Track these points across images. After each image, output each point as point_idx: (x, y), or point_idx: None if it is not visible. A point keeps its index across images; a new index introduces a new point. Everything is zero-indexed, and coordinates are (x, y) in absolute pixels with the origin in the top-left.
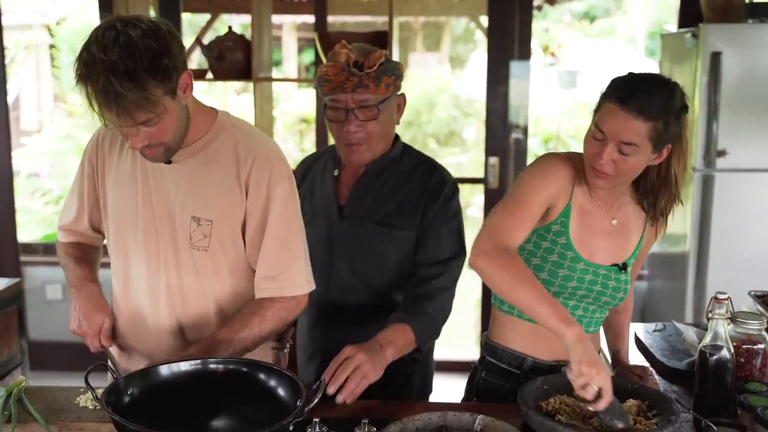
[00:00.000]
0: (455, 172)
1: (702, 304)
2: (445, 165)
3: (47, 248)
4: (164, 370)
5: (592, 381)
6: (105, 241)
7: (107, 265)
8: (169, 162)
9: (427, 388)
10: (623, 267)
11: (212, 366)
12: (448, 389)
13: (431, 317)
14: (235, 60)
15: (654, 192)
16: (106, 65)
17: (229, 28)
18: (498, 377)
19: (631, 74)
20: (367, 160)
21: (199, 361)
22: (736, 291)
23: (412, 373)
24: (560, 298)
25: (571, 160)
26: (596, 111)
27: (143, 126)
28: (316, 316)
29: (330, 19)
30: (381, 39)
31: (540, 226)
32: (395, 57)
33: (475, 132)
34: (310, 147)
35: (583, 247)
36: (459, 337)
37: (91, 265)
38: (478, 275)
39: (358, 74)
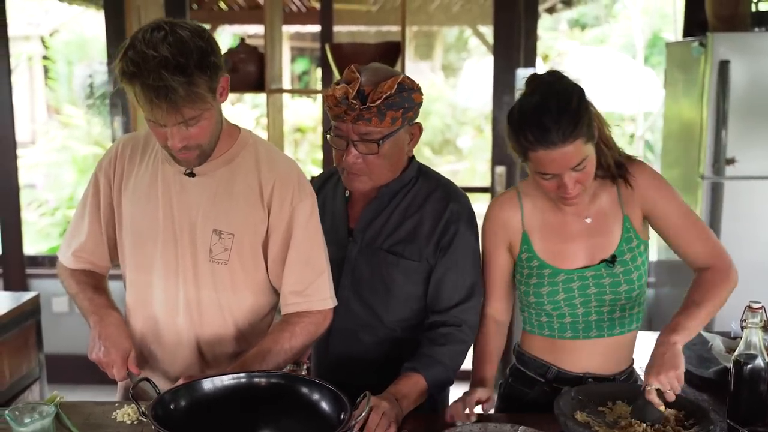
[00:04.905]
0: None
1: None
2: (440, 173)
3: (52, 261)
4: (207, 384)
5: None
6: (119, 257)
7: (116, 276)
8: (192, 175)
9: (445, 398)
10: (612, 260)
11: (255, 380)
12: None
13: (445, 366)
14: (248, 72)
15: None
16: (157, 61)
17: (242, 39)
18: (522, 384)
19: (521, 109)
20: (368, 188)
21: (242, 375)
22: (746, 299)
23: None
24: (557, 312)
25: (506, 198)
26: (519, 156)
27: (184, 126)
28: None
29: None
30: (392, 50)
31: (513, 263)
32: (406, 68)
33: (470, 140)
34: (304, 157)
35: (557, 259)
36: None
37: (108, 294)
38: None
39: (358, 108)
